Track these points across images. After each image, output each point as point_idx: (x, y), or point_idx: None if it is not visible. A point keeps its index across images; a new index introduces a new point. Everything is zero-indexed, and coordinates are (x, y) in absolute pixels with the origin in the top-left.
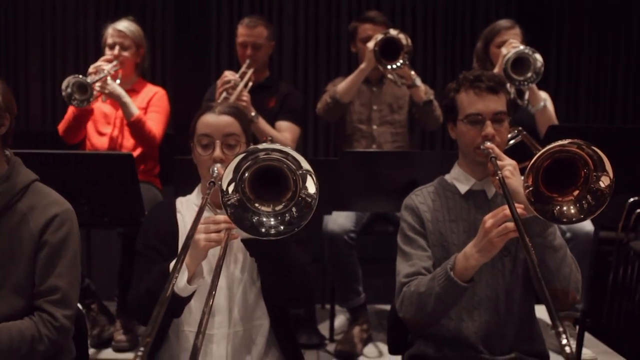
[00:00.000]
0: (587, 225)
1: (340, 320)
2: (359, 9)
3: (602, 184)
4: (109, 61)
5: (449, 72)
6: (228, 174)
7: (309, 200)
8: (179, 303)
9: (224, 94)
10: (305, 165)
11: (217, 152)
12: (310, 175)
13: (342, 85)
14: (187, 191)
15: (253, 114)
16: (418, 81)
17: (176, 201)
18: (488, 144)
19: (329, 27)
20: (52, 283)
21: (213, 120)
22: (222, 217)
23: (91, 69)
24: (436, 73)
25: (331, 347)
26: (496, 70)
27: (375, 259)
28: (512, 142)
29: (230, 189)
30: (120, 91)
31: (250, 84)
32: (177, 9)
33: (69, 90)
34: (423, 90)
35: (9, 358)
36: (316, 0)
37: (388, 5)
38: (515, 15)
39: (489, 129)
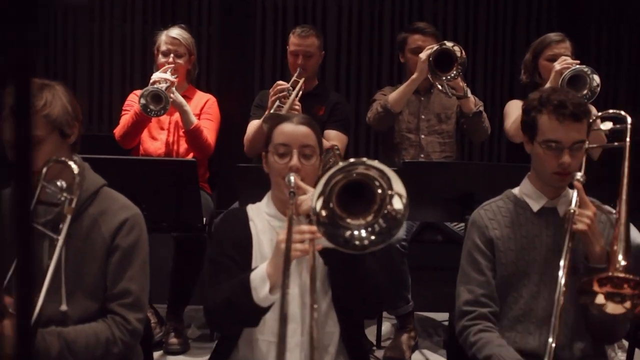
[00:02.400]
0: (638, 238)
1: (386, 327)
2: (401, 19)
3: None
4: (165, 70)
5: (489, 82)
6: (319, 188)
7: (394, 214)
8: (259, 313)
9: (277, 103)
10: (398, 187)
11: (295, 161)
12: (400, 197)
13: (393, 95)
14: (249, 198)
15: None
16: (468, 92)
17: (247, 209)
18: (576, 181)
19: (372, 36)
20: (124, 287)
21: (291, 129)
22: (306, 227)
23: (155, 77)
24: (476, 83)
25: (379, 353)
26: (549, 84)
27: (423, 268)
28: None
29: (319, 205)
30: (182, 99)
31: (301, 92)
32: (222, 16)
33: (143, 101)
34: (473, 102)
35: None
36: (359, 10)
37: (430, 15)
38: (557, 27)
39: (566, 157)
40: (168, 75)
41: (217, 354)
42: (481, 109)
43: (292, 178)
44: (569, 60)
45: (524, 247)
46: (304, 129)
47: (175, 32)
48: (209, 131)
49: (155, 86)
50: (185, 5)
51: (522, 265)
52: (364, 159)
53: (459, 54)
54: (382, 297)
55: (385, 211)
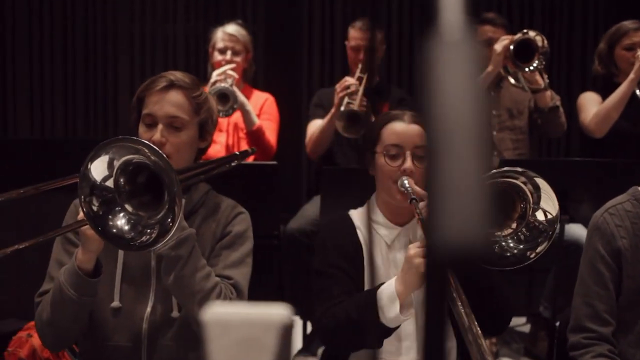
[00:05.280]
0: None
1: None
2: None
3: None
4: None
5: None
6: None
7: (537, 224)
8: (384, 334)
9: (346, 99)
10: (547, 205)
11: (409, 164)
12: (544, 212)
13: None
14: (334, 202)
15: (373, 120)
16: (546, 85)
17: (351, 216)
18: None
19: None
20: (223, 273)
21: (403, 129)
22: None
23: (215, 76)
24: None
25: None
26: (632, 75)
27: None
28: None
29: None
30: (244, 98)
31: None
32: (268, 11)
33: None
34: (549, 96)
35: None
36: (410, 1)
37: (483, 4)
38: (617, 15)
39: None
40: (229, 71)
41: None
42: (558, 103)
43: (406, 182)
44: None
45: None
46: (417, 129)
47: (232, 28)
48: (270, 132)
49: (221, 85)
50: (229, 3)
51: None
52: (530, 172)
53: (540, 43)
54: (509, 312)
55: (529, 220)
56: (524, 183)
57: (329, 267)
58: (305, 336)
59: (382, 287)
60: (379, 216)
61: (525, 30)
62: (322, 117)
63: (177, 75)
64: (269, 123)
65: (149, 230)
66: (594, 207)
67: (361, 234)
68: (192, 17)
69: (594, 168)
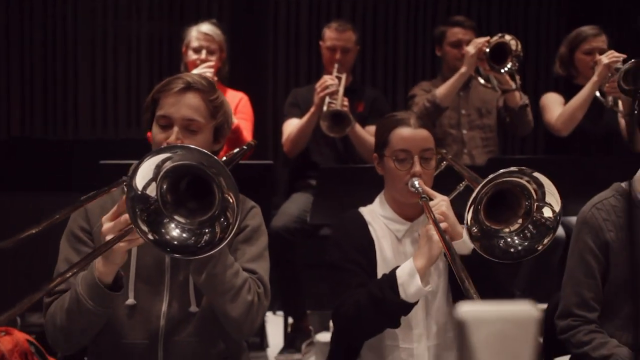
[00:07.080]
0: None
1: None
2: (417, 13)
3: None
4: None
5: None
6: (470, 200)
7: (544, 221)
8: (404, 311)
9: (327, 99)
10: (551, 200)
11: (418, 168)
12: (551, 208)
13: (441, 90)
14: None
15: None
16: (517, 86)
17: (361, 212)
18: None
19: (387, 31)
20: (246, 267)
21: (411, 134)
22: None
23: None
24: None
25: None
26: (595, 78)
27: None
28: None
29: (469, 218)
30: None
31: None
32: (233, 12)
33: None
34: (518, 95)
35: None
36: (374, 4)
37: (443, 7)
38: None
39: None
40: (208, 72)
41: None
42: (527, 102)
43: (416, 183)
44: (616, 53)
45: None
46: (424, 133)
47: (207, 27)
48: (247, 131)
49: None
50: (194, 2)
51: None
52: (532, 171)
53: (514, 47)
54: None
55: (534, 218)
56: (528, 182)
57: (345, 261)
58: (286, 334)
59: (400, 267)
60: (388, 212)
61: (501, 34)
62: (298, 116)
63: (194, 77)
64: (245, 122)
65: (207, 230)
66: (562, 202)
67: (372, 229)
68: (155, 15)
69: (561, 165)
